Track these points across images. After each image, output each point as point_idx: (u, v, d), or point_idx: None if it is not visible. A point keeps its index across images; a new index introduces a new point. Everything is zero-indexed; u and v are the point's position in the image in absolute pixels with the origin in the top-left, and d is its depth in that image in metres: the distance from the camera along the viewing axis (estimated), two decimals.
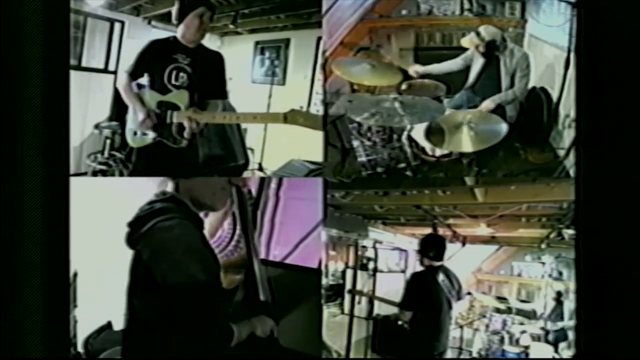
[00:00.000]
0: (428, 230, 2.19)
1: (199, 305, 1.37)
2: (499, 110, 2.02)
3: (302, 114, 1.87)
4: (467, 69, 2.13)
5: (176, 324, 1.36)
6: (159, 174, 1.61)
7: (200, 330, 1.37)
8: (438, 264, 2.09)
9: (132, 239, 1.45)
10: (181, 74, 1.94)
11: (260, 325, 1.52)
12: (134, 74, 1.99)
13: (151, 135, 1.92)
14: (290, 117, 1.83)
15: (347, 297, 2.21)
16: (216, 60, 2.07)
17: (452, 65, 2.13)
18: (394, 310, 2.18)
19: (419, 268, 2.13)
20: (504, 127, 1.92)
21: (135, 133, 1.96)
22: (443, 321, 2.08)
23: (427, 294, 2.07)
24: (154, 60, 1.97)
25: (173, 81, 1.93)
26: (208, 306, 1.40)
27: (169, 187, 1.52)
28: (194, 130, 1.90)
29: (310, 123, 1.85)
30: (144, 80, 1.94)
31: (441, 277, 2.08)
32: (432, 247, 2.09)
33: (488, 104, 2.02)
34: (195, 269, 1.36)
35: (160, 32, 2.22)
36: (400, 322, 2.17)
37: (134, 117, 1.98)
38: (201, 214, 1.55)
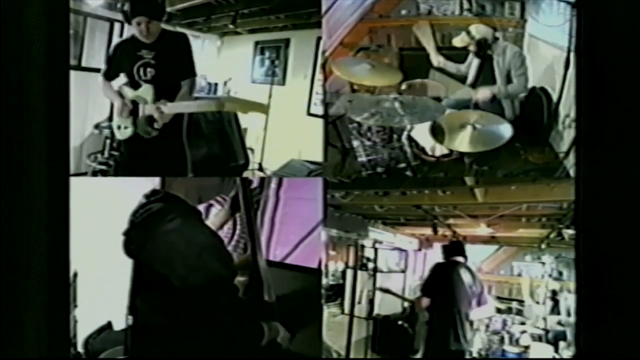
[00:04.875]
0: (428, 230, 2.20)
1: (227, 302, 1.34)
2: (497, 108, 2.02)
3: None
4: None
5: (203, 325, 1.32)
6: (145, 173, 1.65)
7: (232, 328, 1.34)
8: (460, 258, 2.15)
9: (131, 249, 1.38)
10: (149, 69, 2.00)
11: (282, 332, 1.51)
12: (108, 75, 2.04)
13: (131, 128, 2.01)
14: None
15: (347, 297, 2.22)
16: (180, 42, 2.09)
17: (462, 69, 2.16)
18: (395, 310, 2.20)
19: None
20: (507, 130, 1.91)
21: (119, 127, 2.03)
22: (459, 315, 2.08)
23: (446, 283, 2.12)
24: (123, 60, 2.03)
25: (142, 76, 2.00)
26: (235, 303, 1.36)
27: (158, 184, 1.46)
28: (163, 120, 1.97)
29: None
30: (122, 79, 2.01)
31: (463, 271, 2.13)
32: (455, 248, 2.17)
33: (484, 91, 2.04)
34: (215, 266, 1.33)
35: None
36: (400, 322, 2.19)
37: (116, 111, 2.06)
38: (202, 213, 1.54)
